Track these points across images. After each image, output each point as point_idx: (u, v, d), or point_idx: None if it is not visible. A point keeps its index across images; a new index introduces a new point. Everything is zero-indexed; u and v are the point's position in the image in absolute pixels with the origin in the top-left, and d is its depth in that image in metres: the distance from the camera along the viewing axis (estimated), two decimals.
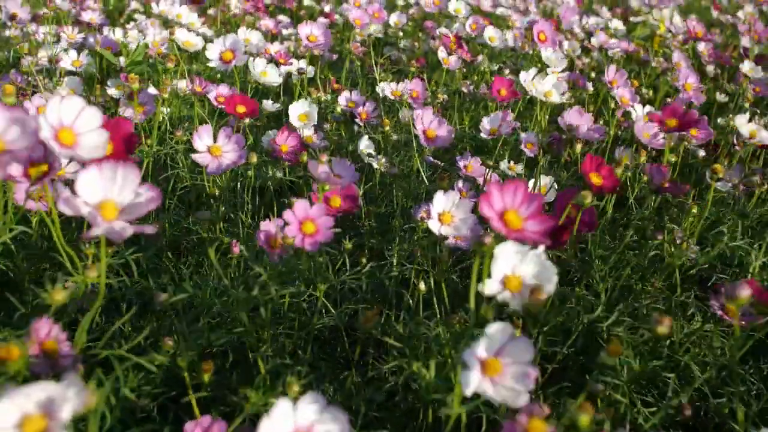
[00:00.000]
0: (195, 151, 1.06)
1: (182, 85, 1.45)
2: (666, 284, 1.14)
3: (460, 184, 1.32)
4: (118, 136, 0.85)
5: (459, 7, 2.09)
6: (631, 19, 2.46)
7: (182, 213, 1.29)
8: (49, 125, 0.68)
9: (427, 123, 1.25)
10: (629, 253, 1.20)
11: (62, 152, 0.68)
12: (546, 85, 1.17)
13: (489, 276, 0.64)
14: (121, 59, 2.03)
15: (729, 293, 0.65)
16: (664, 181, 1.03)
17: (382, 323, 1.09)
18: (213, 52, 1.45)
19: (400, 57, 2.43)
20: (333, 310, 1.04)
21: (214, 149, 1.05)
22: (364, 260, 1.11)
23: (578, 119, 1.17)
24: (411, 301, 1.07)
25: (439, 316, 0.97)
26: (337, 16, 2.82)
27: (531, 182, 1.28)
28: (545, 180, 1.29)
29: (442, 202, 0.93)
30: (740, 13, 3.14)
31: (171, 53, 1.45)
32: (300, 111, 1.40)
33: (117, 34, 2.05)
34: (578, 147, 1.16)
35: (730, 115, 1.65)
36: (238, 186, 1.29)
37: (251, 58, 1.47)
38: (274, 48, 2.11)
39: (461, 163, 1.38)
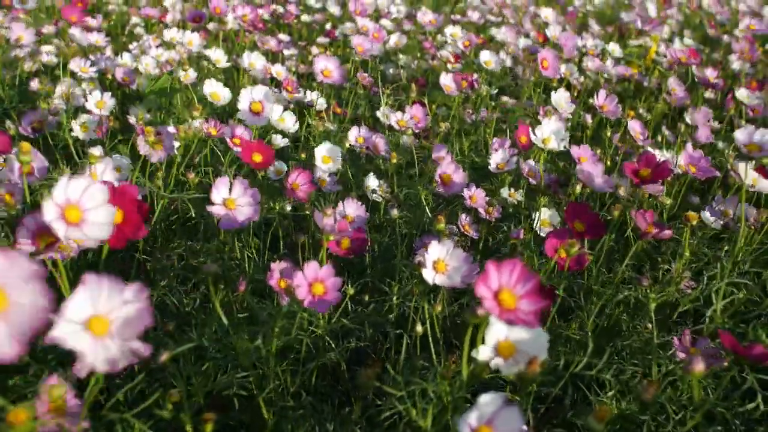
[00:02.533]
0: (209, 199, 1.08)
1: (197, 123, 1.48)
2: (659, 317, 1.18)
3: (464, 217, 1.35)
4: (125, 202, 0.84)
5: (456, 31, 2.13)
6: (630, 42, 2.50)
7: (191, 247, 1.32)
8: (55, 204, 0.71)
9: (444, 167, 1.29)
10: (623, 287, 1.24)
11: (69, 233, 0.71)
12: (545, 131, 1.20)
13: (483, 342, 0.68)
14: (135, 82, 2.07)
15: (686, 367, 0.70)
16: (649, 227, 1.06)
17: (383, 359, 1.14)
18: (242, 104, 1.45)
19: (399, 75, 2.47)
20: (334, 347, 1.08)
21: (229, 202, 1.07)
22: (366, 297, 1.16)
23: (593, 168, 1.21)
24: (409, 341, 1.11)
25: (435, 357, 1.02)
26: (338, 33, 2.87)
27: (535, 215, 1.31)
28: (546, 214, 1.32)
29: (436, 250, 0.96)
30: (737, 30, 3.19)
31: (195, 104, 1.46)
32: (324, 153, 1.42)
33: (125, 58, 2.09)
34: (578, 188, 1.19)
35: (728, 152, 1.69)
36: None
37: (272, 106, 1.48)
38: (276, 69, 2.16)
39: (466, 194, 1.41)
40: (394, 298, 1.17)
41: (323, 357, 1.10)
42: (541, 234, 1.29)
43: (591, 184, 1.20)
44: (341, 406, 1.15)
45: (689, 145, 1.34)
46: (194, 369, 0.98)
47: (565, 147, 1.20)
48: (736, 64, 2.39)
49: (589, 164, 1.24)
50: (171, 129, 1.29)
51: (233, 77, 2.41)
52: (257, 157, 1.29)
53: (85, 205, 0.73)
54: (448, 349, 1.14)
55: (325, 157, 1.43)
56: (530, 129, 1.53)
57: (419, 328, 1.06)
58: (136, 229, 0.84)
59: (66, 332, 0.57)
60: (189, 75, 1.77)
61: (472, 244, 1.39)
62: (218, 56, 2.01)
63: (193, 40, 2.08)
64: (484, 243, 1.43)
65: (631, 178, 1.13)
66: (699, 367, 0.70)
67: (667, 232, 1.06)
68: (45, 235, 0.76)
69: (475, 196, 1.41)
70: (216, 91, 1.54)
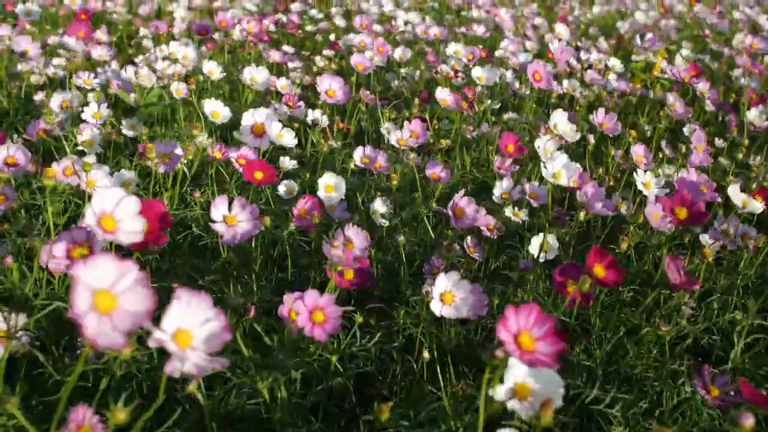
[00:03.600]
0: (210, 217, 1.10)
1: (201, 138, 1.49)
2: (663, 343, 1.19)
3: (469, 240, 1.36)
4: (152, 215, 0.91)
5: (459, 48, 2.14)
6: (633, 57, 2.52)
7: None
8: (94, 213, 0.78)
9: (458, 200, 1.30)
10: (627, 310, 1.25)
11: (106, 237, 0.78)
12: (556, 166, 1.20)
13: (501, 382, 0.70)
14: (133, 96, 2.08)
15: (733, 420, 0.70)
16: (678, 278, 1.07)
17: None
18: (244, 126, 1.47)
19: (402, 87, 2.48)
20: (342, 371, 1.10)
21: (229, 219, 1.09)
22: (372, 322, 1.17)
23: (593, 191, 1.22)
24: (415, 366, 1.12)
25: (443, 383, 1.03)
26: (341, 44, 2.88)
27: (534, 240, 1.32)
28: (550, 239, 1.33)
29: (443, 282, 0.97)
30: (735, 41, 3.20)
31: (195, 121, 1.48)
32: (327, 182, 1.43)
33: (129, 72, 2.10)
34: (582, 215, 1.20)
35: (731, 178, 1.70)
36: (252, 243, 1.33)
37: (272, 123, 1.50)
38: (281, 83, 2.17)
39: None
40: (401, 321, 1.18)
41: (332, 380, 1.12)
42: (542, 259, 1.30)
43: (592, 207, 1.21)
44: (348, 428, 1.16)
45: (688, 172, 1.35)
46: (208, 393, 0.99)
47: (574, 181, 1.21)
48: (741, 79, 2.41)
49: (590, 188, 1.25)
50: (179, 151, 1.31)
51: (238, 89, 2.42)
52: (258, 175, 1.32)
53: (118, 216, 0.80)
54: (454, 368, 1.14)
55: (328, 186, 1.44)
56: (518, 140, 1.54)
57: (426, 355, 1.07)
58: (157, 238, 0.93)
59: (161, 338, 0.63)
60: (181, 90, 1.78)
61: (477, 267, 1.40)
62: (211, 68, 2.02)
63: (188, 54, 2.09)
64: (487, 265, 1.44)
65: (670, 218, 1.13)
66: (748, 422, 0.70)
67: (696, 286, 1.07)
68: (78, 249, 0.85)
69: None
70: (216, 109, 1.56)
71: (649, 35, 2.32)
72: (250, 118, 1.49)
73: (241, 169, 1.39)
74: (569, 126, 1.39)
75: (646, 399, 1.05)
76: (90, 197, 0.97)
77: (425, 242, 1.53)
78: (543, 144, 1.25)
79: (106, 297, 0.59)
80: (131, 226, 0.81)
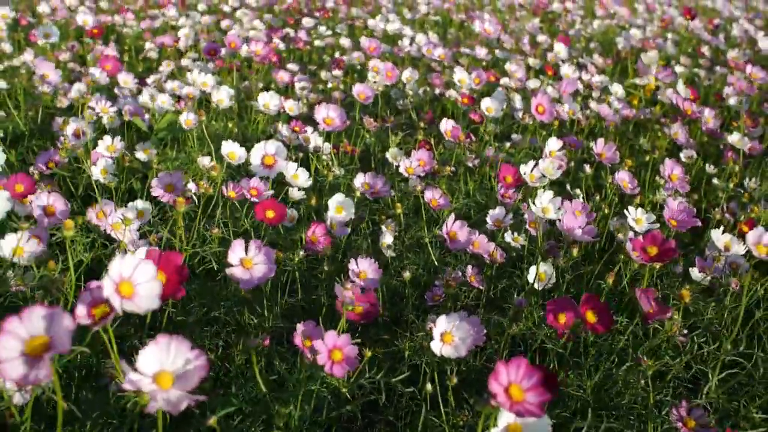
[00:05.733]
0: (228, 262, 1.16)
1: (206, 161, 1.55)
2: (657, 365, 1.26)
3: (469, 269, 1.43)
4: (170, 268, 0.96)
5: (463, 78, 2.21)
6: (637, 81, 2.58)
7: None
8: (112, 281, 0.81)
9: (450, 225, 1.38)
10: (620, 338, 1.32)
11: (123, 304, 0.81)
12: (544, 201, 1.28)
13: (495, 425, 0.77)
14: (146, 117, 2.15)
15: None
16: (651, 309, 1.14)
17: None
18: (255, 157, 1.54)
19: (408, 105, 2.55)
20: (351, 400, 1.17)
21: (246, 262, 1.14)
22: (379, 351, 1.24)
23: (573, 221, 1.29)
24: (420, 397, 1.20)
25: (443, 411, 1.11)
26: (346, 59, 2.95)
27: (532, 269, 1.39)
28: (544, 267, 1.41)
29: (444, 323, 1.05)
30: (730, 56, 3.26)
31: (215, 163, 1.54)
32: (337, 203, 1.51)
33: (144, 96, 2.17)
34: (575, 251, 1.28)
35: (721, 203, 1.76)
36: None
37: (287, 164, 1.57)
38: (288, 105, 2.24)
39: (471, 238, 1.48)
40: (406, 354, 1.25)
41: (342, 408, 1.19)
42: (538, 287, 1.37)
43: (572, 234, 1.29)
44: None
45: (670, 201, 1.42)
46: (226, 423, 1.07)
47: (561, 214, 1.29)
48: (732, 99, 2.46)
49: (570, 217, 1.33)
50: (192, 187, 1.38)
51: (246, 108, 2.50)
52: (270, 214, 1.39)
53: (136, 280, 0.83)
54: (455, 394, 1.22)
55: (339, 207, 1.52)
56: (516, 171, 1.61)
57: (429, 387, 1.15)
58: (175, 290, 0.96)
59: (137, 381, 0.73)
60: (191, 120, 1.85)
61: (477, 295, 1.47)
62: (221, 97, 2.08)
63: (207, 82, 2.16)
64: (489, 293, 1.51)
65: (641, 255, 1.21)
66: None
67: (668, 314, 1.14)
68: (99, 307, 0.86)
69: (478, 242, 1.47)
70: (233, 150, 1.61)
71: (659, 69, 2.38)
72: (261, 149, 1.56)
73: (252, 198, 1.46)
74: (551, 164, 1.48)
75: (633, 429, 1.12)
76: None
77: (429, 265, 1.60)
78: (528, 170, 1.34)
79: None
80: (149, 290, 0.83)
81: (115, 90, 2.38)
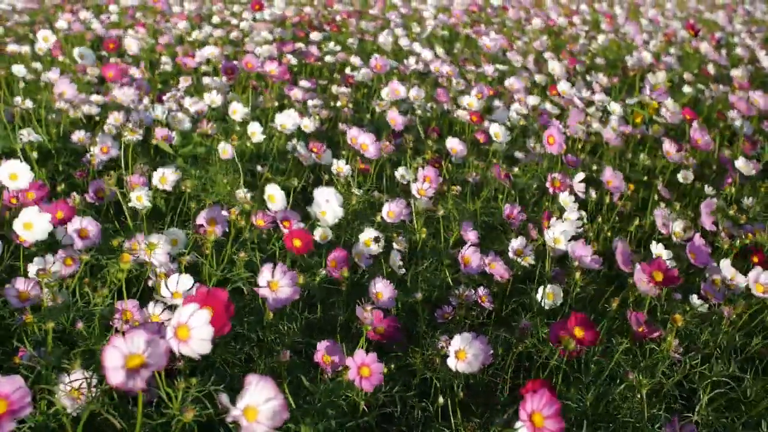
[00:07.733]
0: (257, 283, 1.25)
1: (241, 194, 1.63)
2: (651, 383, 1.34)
3: (480, 290, 1.51)
4: (218, 304, 1.04)
5: (472, 101, 2.30)
6: (636, 100, 2.66)
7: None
8: (172, 327, 0.90)
9: (464, 251, 1.47)
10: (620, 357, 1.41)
11: (180, 348, 0.89)
12: (556, 232, 1.38)
13: None
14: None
15: None
16: (640, 327, 1.24)
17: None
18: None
19: (415, 121, 2.64)
20: (368, 411, 1.26)
21: (273, 284, 1.24)
22: (393, 366, 1.33)
23: (582, 250, 1.40)
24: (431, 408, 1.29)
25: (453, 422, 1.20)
26: (356, 74, 3.04)
27: (540, 290, 1.48)
28: (550, 288, 1.49)
29: (458, 342, 1.17)
30: (733, 72, 3.34)
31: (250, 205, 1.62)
32: (367, 237, 1.60)
33: (157, 111, 2.25)
34: (578, 275, 1.37)
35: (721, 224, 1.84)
36: None
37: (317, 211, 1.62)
38: (304, 123, 2.33)
39: (485, 261, 1.57)
40: (419, 369, 1.34)
41: (359, 419, 1.28)
42: (546, 306, 1.46)
43: (582, 263, 1.38)
44: None
45: (697, 236, 1.51)
46: None
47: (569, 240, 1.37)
48: (737, 121, 2.54)
49: (580, 247, 1.43)
50: (224, 213, 1.46)
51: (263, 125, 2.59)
52: (297, 242, 1.47)
53: (192, 325, 0.91)
54: (463, 408, 1.31)
55: (368, 241, 1.60)
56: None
57: (441, 400, 1.24)
58: (222, 326, 1.03)
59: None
60: (227, 151, 1.93)
61: (486, 314, 1.55)
62: (254, 129, 2.16)
63: (237, 110, 2.26)
64: (500, 313, 1.60)
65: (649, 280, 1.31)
66: None
67: (656, 333, 1.24)
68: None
69: (494, 263, 1.56)
70: (273, 194, 1.64)
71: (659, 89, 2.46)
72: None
73: (284, 230, 1.50)
74: (569, 198, 1.57)
75: None
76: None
77: (442, 282, 1.69)
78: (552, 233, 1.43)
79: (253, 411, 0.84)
80: (202, 334, 0.91)
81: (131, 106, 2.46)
